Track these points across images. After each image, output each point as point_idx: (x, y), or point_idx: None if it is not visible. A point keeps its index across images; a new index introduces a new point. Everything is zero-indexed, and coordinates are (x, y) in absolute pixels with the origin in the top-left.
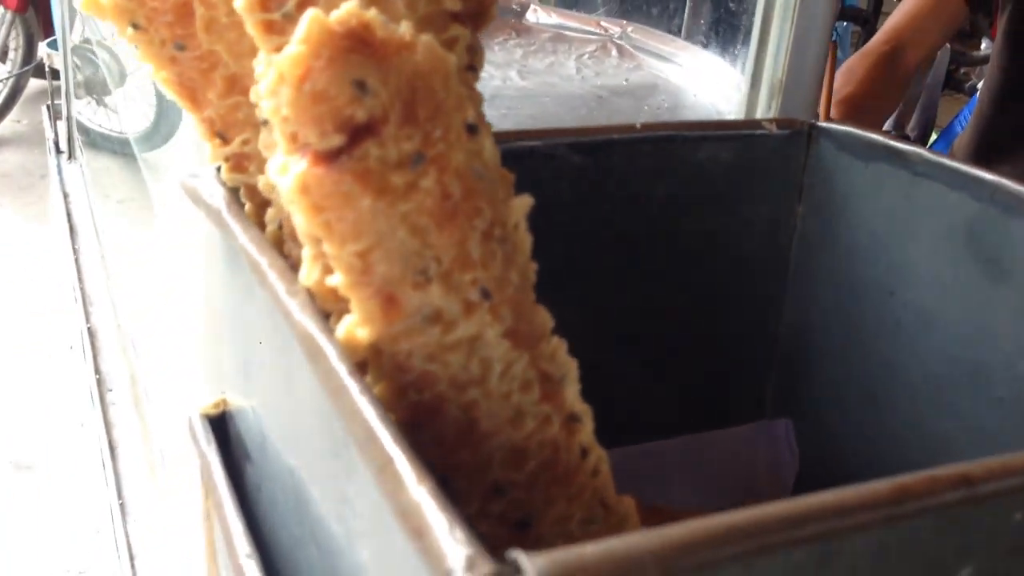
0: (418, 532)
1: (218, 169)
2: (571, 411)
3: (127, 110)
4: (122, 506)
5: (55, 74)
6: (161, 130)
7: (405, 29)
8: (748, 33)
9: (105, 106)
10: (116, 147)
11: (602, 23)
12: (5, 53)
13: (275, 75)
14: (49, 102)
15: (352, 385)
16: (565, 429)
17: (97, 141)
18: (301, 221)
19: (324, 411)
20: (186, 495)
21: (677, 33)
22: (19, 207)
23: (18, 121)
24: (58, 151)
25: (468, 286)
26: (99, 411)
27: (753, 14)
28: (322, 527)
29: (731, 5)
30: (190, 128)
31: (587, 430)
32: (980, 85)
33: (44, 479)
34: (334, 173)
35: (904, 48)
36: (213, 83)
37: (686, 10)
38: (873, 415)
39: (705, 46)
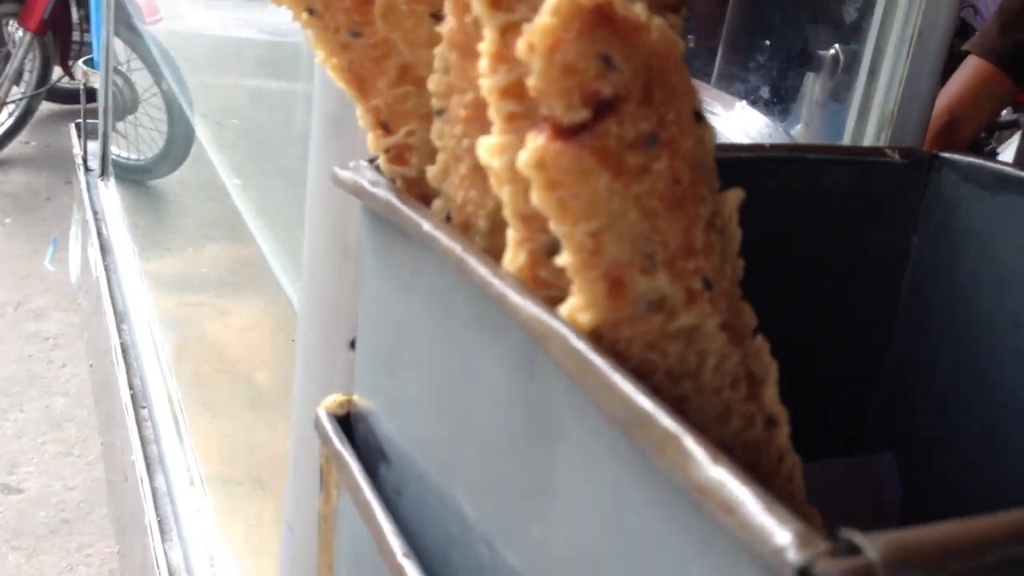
0: (727, 509)
1: (371, 161)
2: (770, 413)
3: (138, 137)
4: (160, 523)
5: (90, 94)
6: (171, 157)
7: (640, 10)
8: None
9: (116, 132)
10: (126, 174)
11: None
12: (20, 75)
13: (523, 46)
14: (81, 120)
15: (603, 364)
16: (765, 431)
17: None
18: (535, 197)
19: (523, 398)
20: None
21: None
22: (22, 226)
23: (27, 143)
24: (87, 169)
25: (692, 274)
26: (135, 427)
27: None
28: (501, 523)
29: (760, 58)
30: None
31: (784, 434)
32: (1000, 149)
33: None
34: (574, 148)
35: (959, 123)
36: (385, 72)
37: (717, 59)
38: (990, 452)
39: (740, 95)
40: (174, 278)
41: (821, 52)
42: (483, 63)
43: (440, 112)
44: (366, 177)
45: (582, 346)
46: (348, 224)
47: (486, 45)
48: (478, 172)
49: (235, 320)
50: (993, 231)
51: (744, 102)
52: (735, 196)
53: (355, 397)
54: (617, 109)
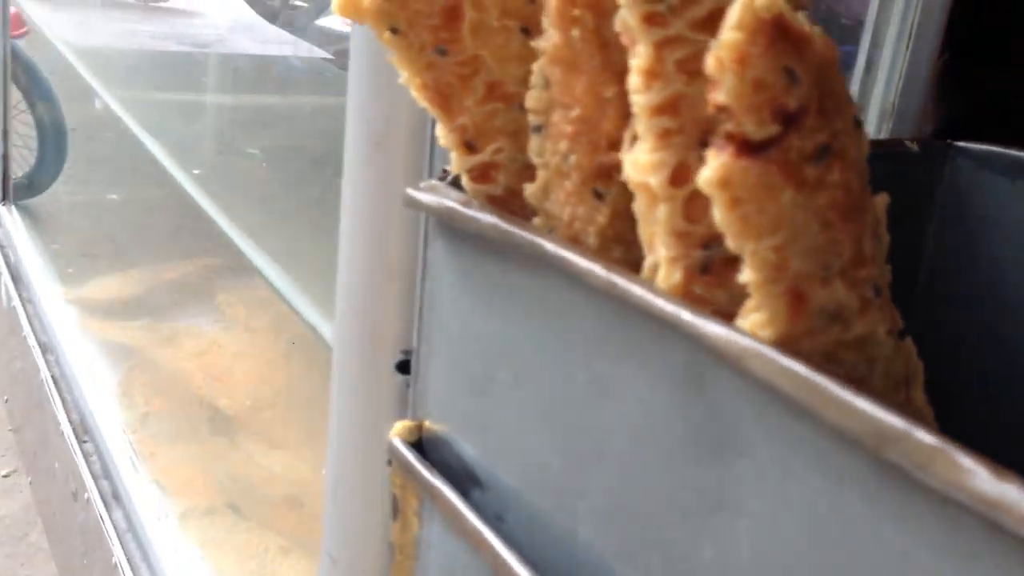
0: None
1: (446, 179)
2: (919, 411)
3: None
4: (129, 562)
5: None
6: (40, 178)
7: (803, 19)
8: None
9: None
10: None
11: None
12: None
13: (712, 62)
14: None
15: (831, 382)
16: None
17: None
18: (718, 215)
19: (686, 416)
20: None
21: None
22: None
23: None
24: None
25: (864, 283)
26: (82, 462)
27: None
28: (658, 545)
29: None
30: None
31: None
32: None
33: None
34: (761, 164)
35: None
36: (472, 89)
37: None
38: (1017, 438)
39: None
40: (107, 304)
41: None
42: (635, 80)
43: (538, 128)
44: (453, 198)
45: (797, 365)
46: (392, 244)
47: (639, 61)
48: (585, 188)
49: (186, 343)
50: (1013, 215)
51: None
52: (882, 200)
53: (426, 422)
54: (800, 122)
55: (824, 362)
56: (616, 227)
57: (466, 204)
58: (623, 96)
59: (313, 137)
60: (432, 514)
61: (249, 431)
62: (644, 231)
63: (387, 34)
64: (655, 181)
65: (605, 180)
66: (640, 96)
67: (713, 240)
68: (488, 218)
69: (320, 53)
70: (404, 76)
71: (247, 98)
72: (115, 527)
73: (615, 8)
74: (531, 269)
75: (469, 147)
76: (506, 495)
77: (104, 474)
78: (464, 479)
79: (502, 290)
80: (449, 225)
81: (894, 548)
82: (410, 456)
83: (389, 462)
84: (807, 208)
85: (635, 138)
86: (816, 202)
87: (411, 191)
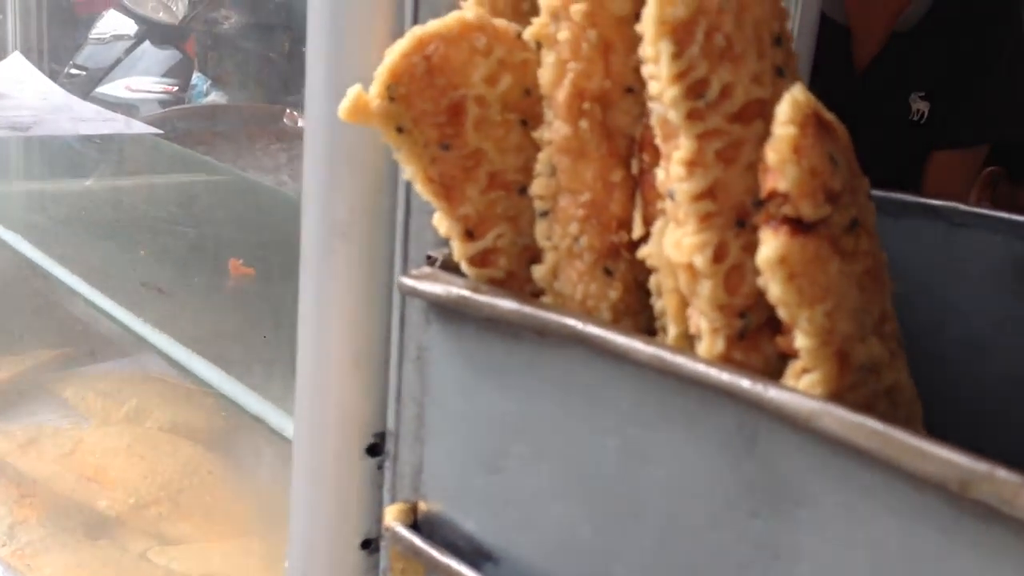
0: None
1: (435, 264)
2: None
3: None
4: None
5: None
6: None
7: (822, 108)
8: None
9: None
10: None
11: None
12: None
13: (772, 155)
14: None
15: (904, 433)
16: None
17: None
18: (776, 289)
19: (734, 475)
20: None
21: None
22: None
23: None
24: None
25: (891, 336)
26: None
27: None
28: None
29: None
30: None
31: None
32: None
33: None
34: (814, 241)
35: None
36: (475, 180)
37: None
38: None
39: None
40: None
41: None
42: (677, 170)
43: (545, 213)
44: (460, 285)
45: (870, 421)
46: (360, 333)
47: (682, 153)
48: (597, 267)
49: (47, 445)
50: (901, 252)
51: None
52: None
53: (421, 503)
54: (841, 200)
55: (863, 411)
56: (626, 301)
57: (477, 290)
58: (628, 179)
59: (161, 213)
60: None
61: (136, 530)
62: (671, 304)
63: (393, 133)
64: (700, 260)
65: (614, 258)
66: (683, 184)
67: (748, 309)
68: (507, 303)
69: (150, 129)
70: (409, 171)
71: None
72: None
73: (620, 100)
74: (554, 347)
75: (469, 234)
76: (523, 566)
77: None
78: (473, 555)
79: (515, 368)
80: (452, 310)
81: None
82: (414, 538)
83: (365, 545)
84: (849, 275)
85: (647, 219)
86: (855, 269)
87: (408, 281)
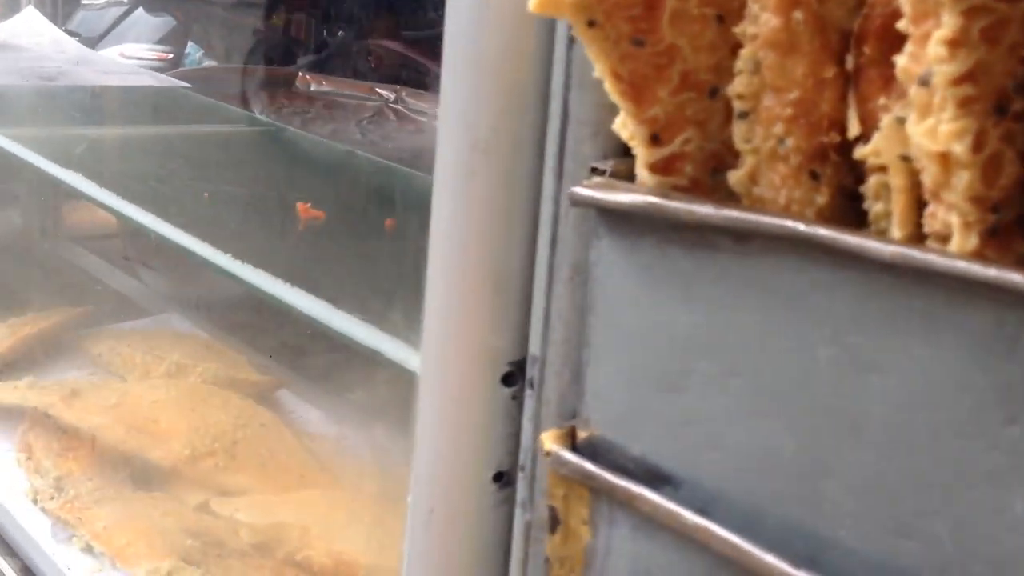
0: None
1: (597, 173)
2: None
3: None
4: None
5: None
6: None
7: None
8: None
9: None
10: None
11: (376, 89)
12: None
13: None
14: None
15: None
16: None
17: None
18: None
19: (986, 379)
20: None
21: None
22: None
23: None
24: None
25: None
26: None
27: None
28: (953, 511)
29: None
30: None
31: None
32: None
33: None
34: None
35: None
36: (667, 79)
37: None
38: None
39: None
40: None
41: None
42: (938, 50)
43: (745, 114)
44: (647, 192)
45: None
46: (501, 255)
47: (945, 32)
48: (802, 171)
49: (91, 397)
50: None
51: None
52: None
53: (580, 428)
54: None
55: None
56: (832, 206)
57: (668, 197)
58: (841, 76)
59: (210, 161)
60: (613, 519)
61: (193, 482)
62: (899, 204)
63: (584, 27)
64: (959, 148)
65: (822, 161)
66: (944, 66)
67: (1001, 204)
68: (707, 208)
69: (177, 83)
70: (598, 68)
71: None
72: None
73: None
74: (757, 254)
75: (655, 139)
76: (707, 487)
77: (12, 553)
78: (646, 478)
79: (705, 279)
80: (630, 220)
81: None
82: (584, 462)
83: (498, 478)
84: None
85: (864, 119)
86: None
87: (584, 191)
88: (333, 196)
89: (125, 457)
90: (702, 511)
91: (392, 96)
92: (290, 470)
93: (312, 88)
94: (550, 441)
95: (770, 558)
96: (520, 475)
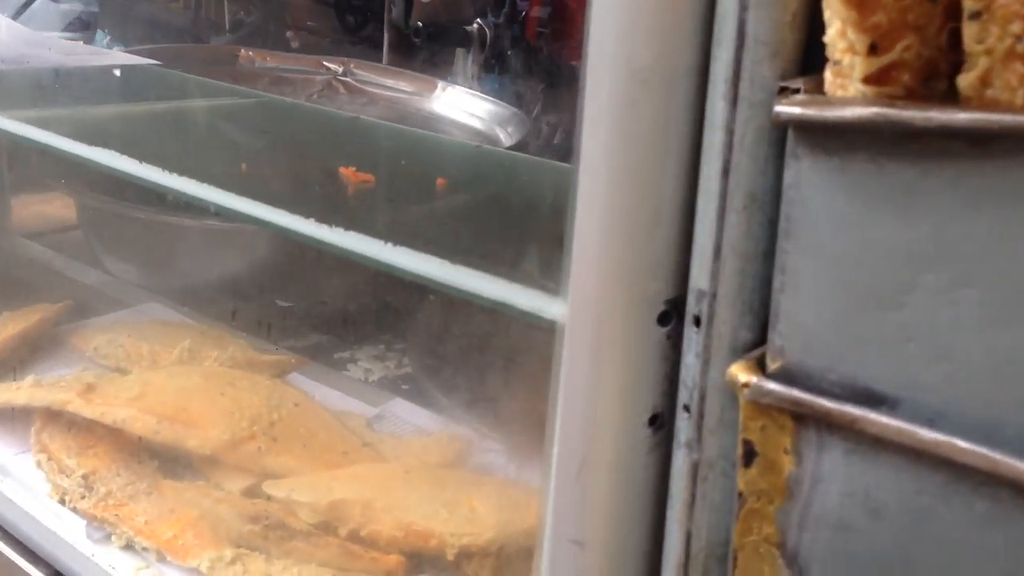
0: None
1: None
2: None
3: None
4: None
5: None
6: None
7: None
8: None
9: None
10: None
11: (324, 63)
12: None
13: None
14: None
15: None
16: None
17: None
18: None
19: None
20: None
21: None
22: None
23: None
24: None
25: None
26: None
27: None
28: None
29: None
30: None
31: None
32: None
33: None
34: None
35: None
36: None
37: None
38: None
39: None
40: None
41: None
42: None
43: (977, 15)
44: (865, 103)
45: None
46: (663, 189)
47: None
48: None
49: (108, 390)
50: None
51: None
52: None
53: (774, 360)
54: None
55: None
56: None
57: (894, 106)
58: None
59: (224, 133)
60: (823, 445)
61: (233, 468)
62: None
63: None
64: None
65: None
66: None
67: None
68: (950, 114)
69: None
70: None
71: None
72: None
73: None
74: (997, 158)
75: (873, 48)
76: (933, 403)
77: (39, 560)
78: (859, 400)
79: (932, 190)
80: (837, 136)
81: None
82: (790, 389)
83: (652, 422)
84: None
85: None
86: None
87: (791, 109)
88: (361, 160)
89: (152, 449)
90: (932, 426)
91: (340, 69)
92: (333, 448)
93: (257, 64)
94: (743, 373)
95: (1022, 464)
96: (683, 415)
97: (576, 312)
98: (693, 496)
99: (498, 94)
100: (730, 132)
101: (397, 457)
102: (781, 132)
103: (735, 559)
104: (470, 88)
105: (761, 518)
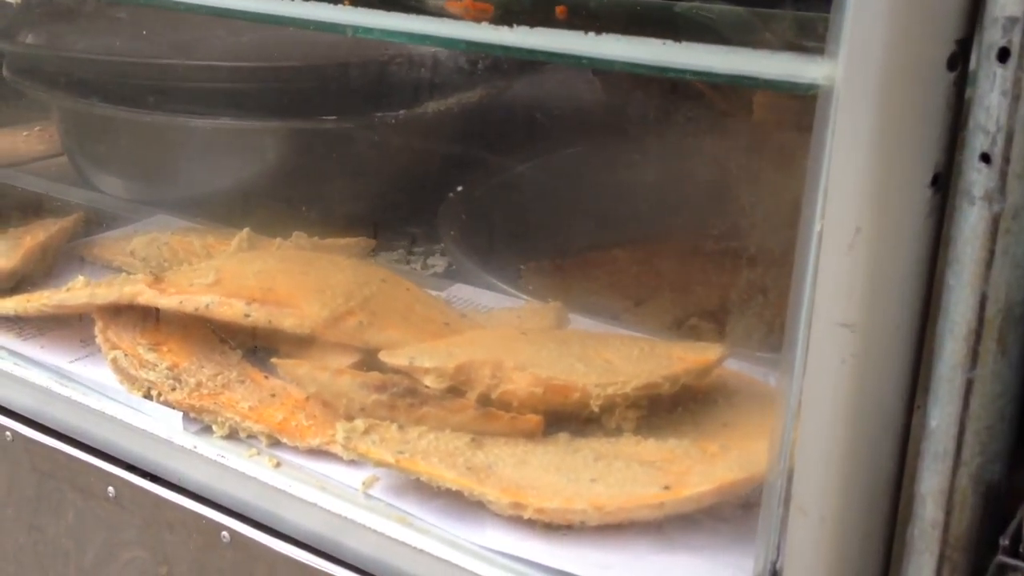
0: None
1: None
2: None
3: None
4: None
5: None
6: None
7: None
8: None
9: None
10: None
11: None
12: None
13: None
14: None
15: None
16: None
17: None
18: None
19: None
20: None
21: None
22: None
23: None
24: None
25: None
26: None
27: None
28: None
29: None
30: None
31: None
32: None
33: None
34: None
35: None
36: None
37: None
38: None
39: None
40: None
41: None
42: None
43: None
44: None
45: None
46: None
47: None
48: None
49: (177, 280)
50: None
51: None
52: None
53: None
54: None
55: None
56: None
57: None
58: None
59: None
60: None
61: (336, 346)
62: None
63: None
64: None
65: None
66: None
67: None
68: None
69: None
70: None
71: None
72: None
73: None
74: None
75: None
76: None
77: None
78: None
79: None
80: None
81: None
82: None
83: (934, 181)
84: None
85: None
86: None
87: None
88: None
89: (234, 333)
90: None
91: None
92: (433, 319)
93: None
94: None
95: None
96: (978, 167)
97: (852, 63)
98: (991, 253)
99: None
100: None
101: (496, 327)
102: None
103: None
104: None
105: None
